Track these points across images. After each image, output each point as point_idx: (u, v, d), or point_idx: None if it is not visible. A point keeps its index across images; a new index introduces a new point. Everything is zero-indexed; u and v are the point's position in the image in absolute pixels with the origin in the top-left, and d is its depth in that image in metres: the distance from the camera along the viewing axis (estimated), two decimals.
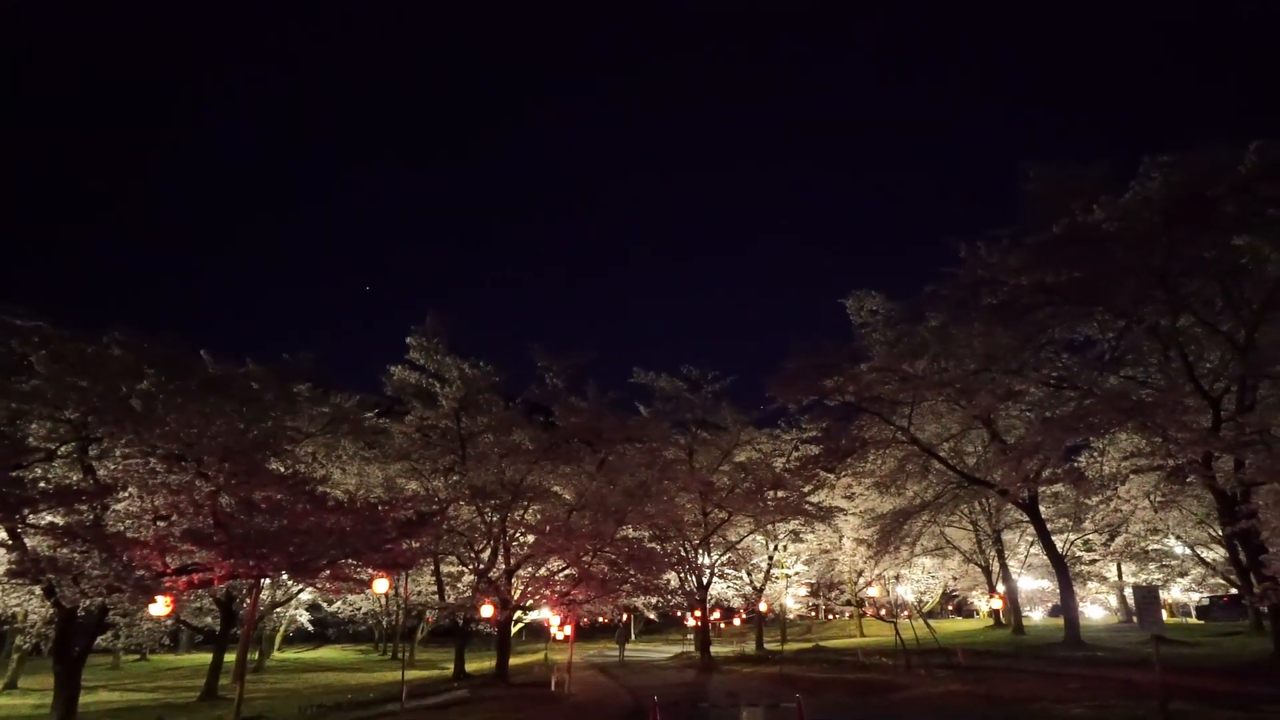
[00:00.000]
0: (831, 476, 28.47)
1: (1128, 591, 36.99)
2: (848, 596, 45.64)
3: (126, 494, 16.12)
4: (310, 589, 26.74)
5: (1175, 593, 41.44)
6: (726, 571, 30.85)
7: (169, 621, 25.81)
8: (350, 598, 37.53)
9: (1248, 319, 17.52)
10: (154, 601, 14.06)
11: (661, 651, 37.38)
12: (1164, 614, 39.60)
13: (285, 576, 18.21)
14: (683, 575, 28.90)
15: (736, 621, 59.02)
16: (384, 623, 43.88)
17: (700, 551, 29.36)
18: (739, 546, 31.04)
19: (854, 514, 31.39)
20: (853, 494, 30.98)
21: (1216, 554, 31.73)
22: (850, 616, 50.30)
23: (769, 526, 30.52)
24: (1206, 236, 16.50)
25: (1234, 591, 31.79)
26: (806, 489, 28.22)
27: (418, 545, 19.03)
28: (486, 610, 20.92)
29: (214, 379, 19.21)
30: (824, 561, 38.50)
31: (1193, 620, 39.12)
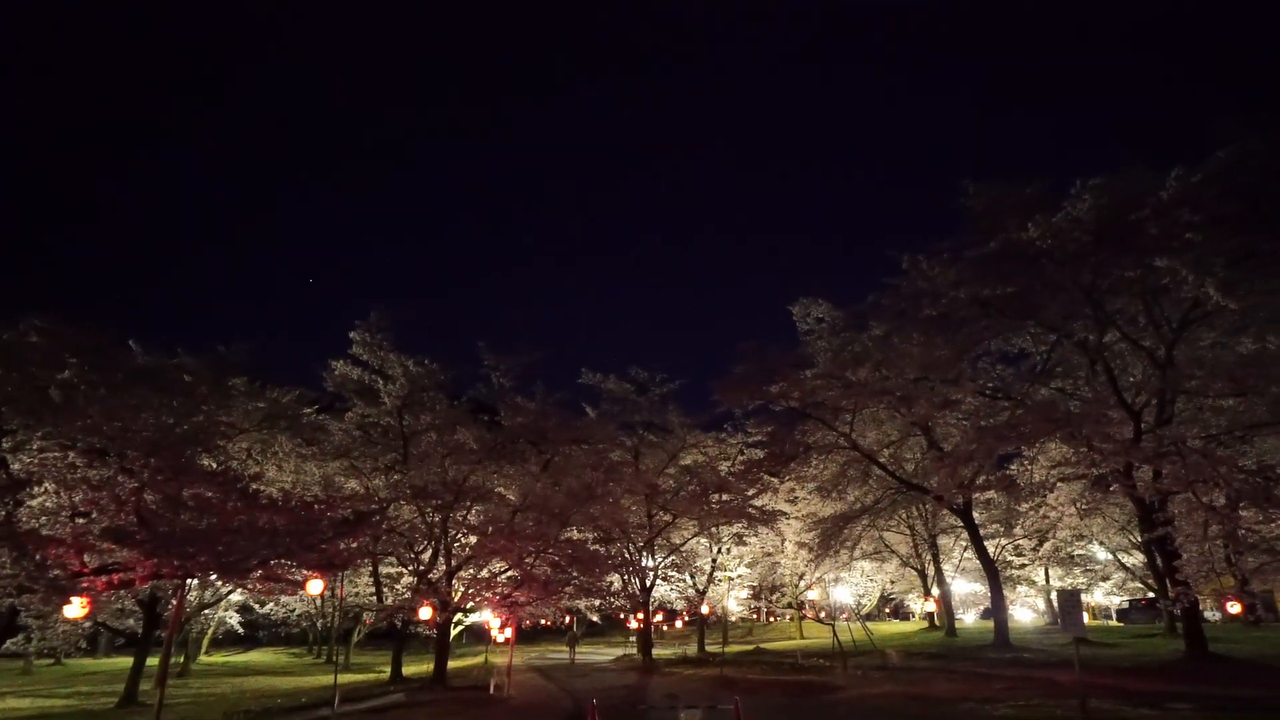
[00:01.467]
0: (775, 480, 28.90)
1: (1054, 595, 38.52)
2: (789, 599, 46.34)
3: (42, 489, 15.30)
4: (241, 590, 25.80)
5: (1097, 596, 43.41)
6: (670, 574, 30.95)
7: (86, 624, 24.54)
8: (283, 599, 36.33)
9: (1167, 336, 18.49)
10: (69, 603, 13.34)
11: (604, 654, 37.28)
12: (1086, 617, 41.44)
13: (214, 577, 17.50)
14: (626, 577, 28.89)
15: (679, 624, 59.25)
16: (319, 625, 42.57)
17: (644, 554, 29.41)
18: (683, 549, 31.21)
19: (796, 518, 31.89)
20: (796, 498, 31.48)
21: (1136, 559, 33.36)
22: (791, 619, 51.08)
23: (713, 529, 30.75)
24: (1130, 257, 17.33)
25: (1151, 595, 33.40)
26: (751, 492, 28.53)
27: (355, 545, 18.55)
28: (425, 612, 20.53)
29: (142, 370, 18.40)
30: (766, 564, 38.97)
31: (1113, 623, 41.00)
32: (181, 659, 31.28)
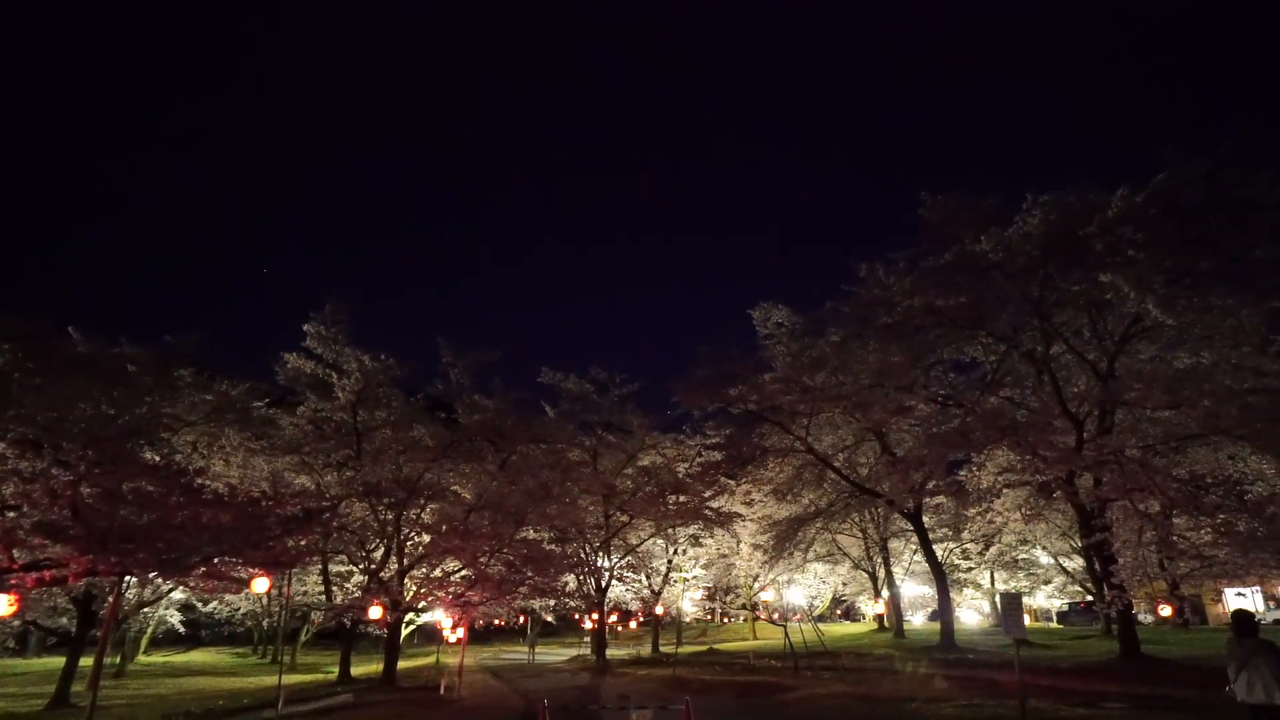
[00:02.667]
0: (732, 483, 29.17)
1: (998, 598, 39.64)
2: (743, 600, 46.75)
3: None
4: (182, 588, 24.99)
5: (1040, 599, 44.80)
6: (625, 574, 30.97)
7: (15, 622, 23.54)
8: (228, 598, 35.29)
9: (1109, 349, 19.16)
10: None
11: (558, 654, 37.08)
12: (1027, 619, 42.73)
13: (153, 575, 16.90)
14: (581, 577, 28.82)
15: (633, 625, 59.34)
16: (264, 624, 41.43)
17: (600, 554, 29.38)
18: (639, 550, 31.26)
19: (752, 520, 32.19)
20: (752, 500, 31.78)
21: (1076, 564, 34.52)
22: (745, 620, 51.53)
23: (669, 530, 30.87)
24: (1077, 272, 17.91)
25: (1089, 598, 34.58)
26: (707, 494, 28.73)
27: (304, 543, 18.09)
28: (375, 612, 20.18)
29: (82, 358, 17.71)
30: (721, 566, 39.26)
31: (1054, 625, 42.34)
32: (118, 659, 30.14)
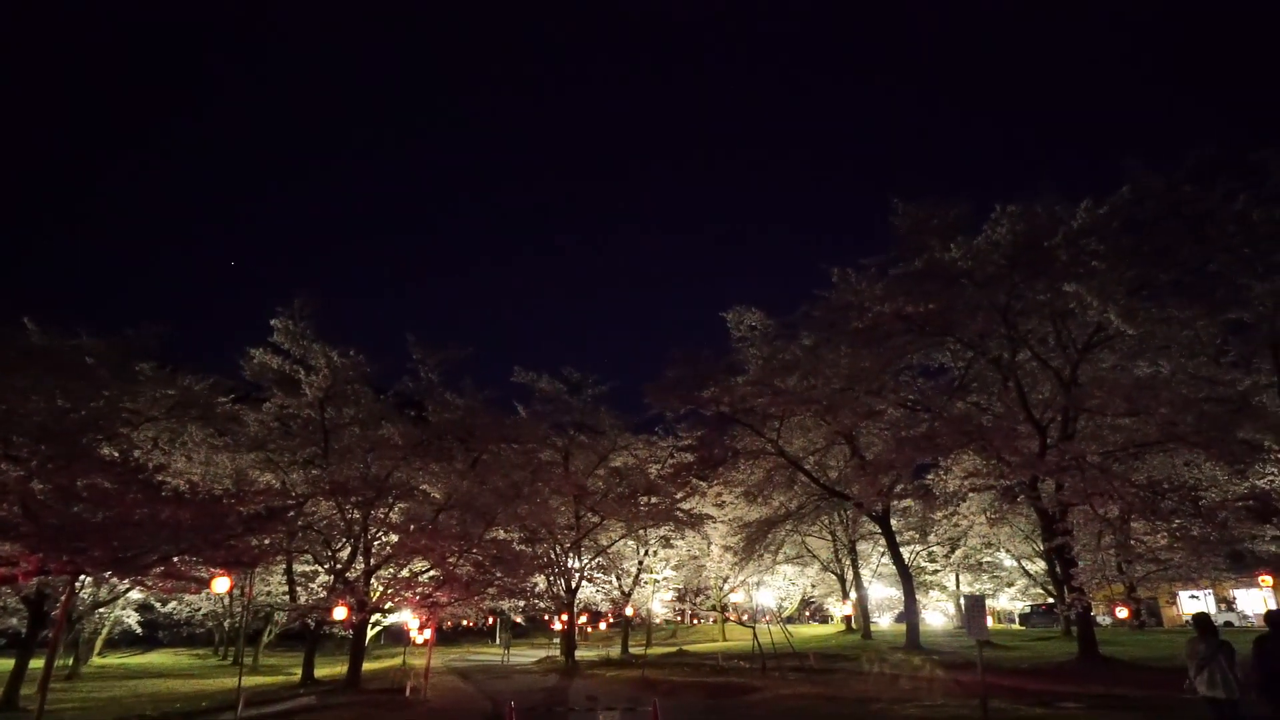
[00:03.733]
0: (703, 484, 29.25)
1: (962, 600, 40.26)
2: (713, 602, 46.92)
3: None
4: (140, 588, 24.38)
5: (1003, 601, 45.63)
6: (596, 575, 30.90)
7: None
8: (187, 598, 34.52)
9: (1073, 357, 19.59)
10: None
11: (527, 655, 36.87)
12: (991, 621, 43.55)
13: (109, 574, 16.44)
14: (551, 578, 28.70)
15: (603, 626, 59.27)
16: (226, 625, 40.58)
17: (570, 555, 29.29)
18: (610, 551, 31.21)
19: (723, 521, 32.33)
20: (723, 502, 31.92)
21: (1038, 567, 35.22)
22: (714, 621, 51.73)
23: (640, 532, 30.89)
24: (1042, 281, 18.29)
25: (1051, 601, 35.31)
26: (679, 496, 28.78)
27: (267, 542, 17.77)
28: (340, 612, 19.87)
29: (36, 350, 17.17)
30: (692, 567, 39.38)
31: (1016, 626, 43.16)
32: (70, 661, 29.32)
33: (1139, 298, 17.60)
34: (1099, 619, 34.98)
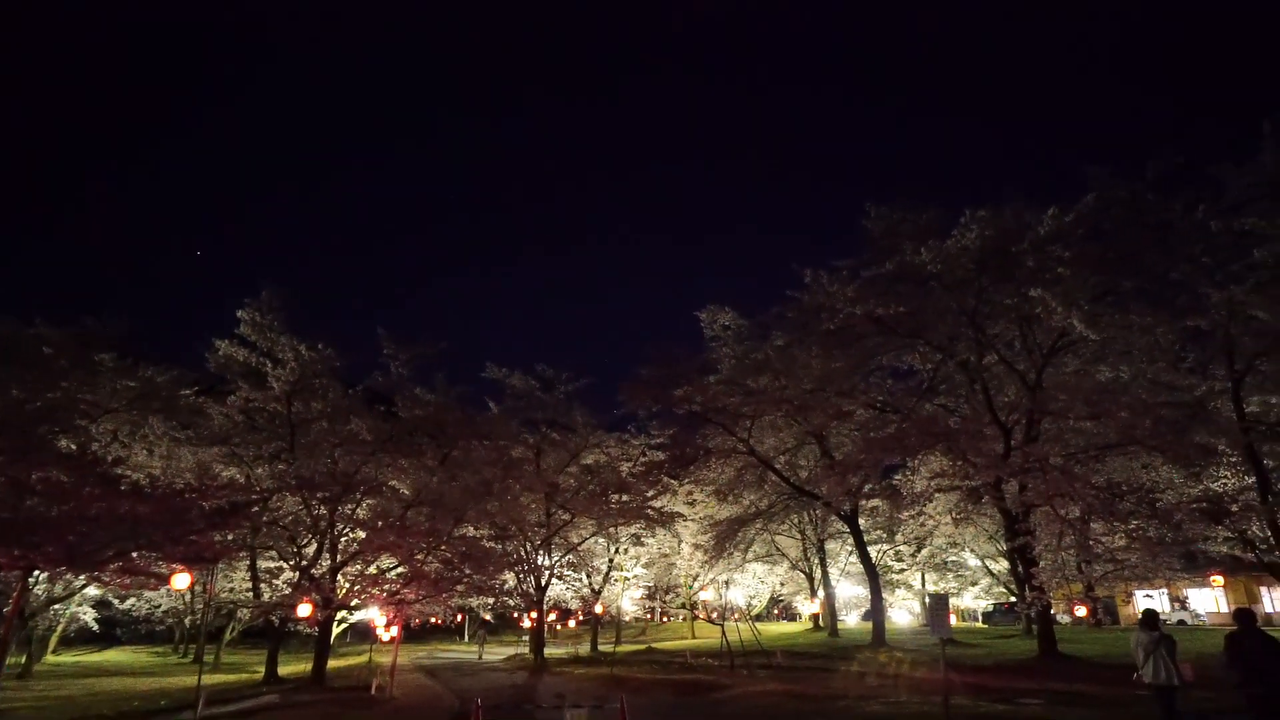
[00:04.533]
0: (675, 483, 29.34)
1: (926, 598, 40.92)
2: (683, 600, 47.09)
3: None
4: (97, 584, 23.77)
5: (967, 600, 46.45)
6: (566, 573, 30.83)
7: None
8: (147, 594, 33.74)
9: (1038, 361, 19.98)
10: None
11: (496, 653, 36.68)
12: (954, 619, 44.38)
13: (63, 569, 15.99)
14: (521, 576, 28.57)
15: (573, 623, 59.17)
16: (187, 622, 39.68)
17: (541, 552, 29.18)
18: (580, 548, 31.15)
19: (693, 520, 32.45)
20: (694, 500, 32.04)
21: (1001, 566, 35.93)
22: (684, 619, 51.92)
23: (611, 529, 30.87)
24: (1009, 286, 18.63)
25: (1013, 599, 36.04)
26: (650, 494, 28.82)
27: (230, 538, 17.44)
28: (305, 609, 19.57)
29: None
30: (662, 565, 39.48)
31: (979, 624, 43.94)
32: (23, 659, 28.46)
33: (1102, 304, 18.00)
34: (1059, 617, 35.76)
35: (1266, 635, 7.86)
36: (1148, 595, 41.06)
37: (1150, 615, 9.03)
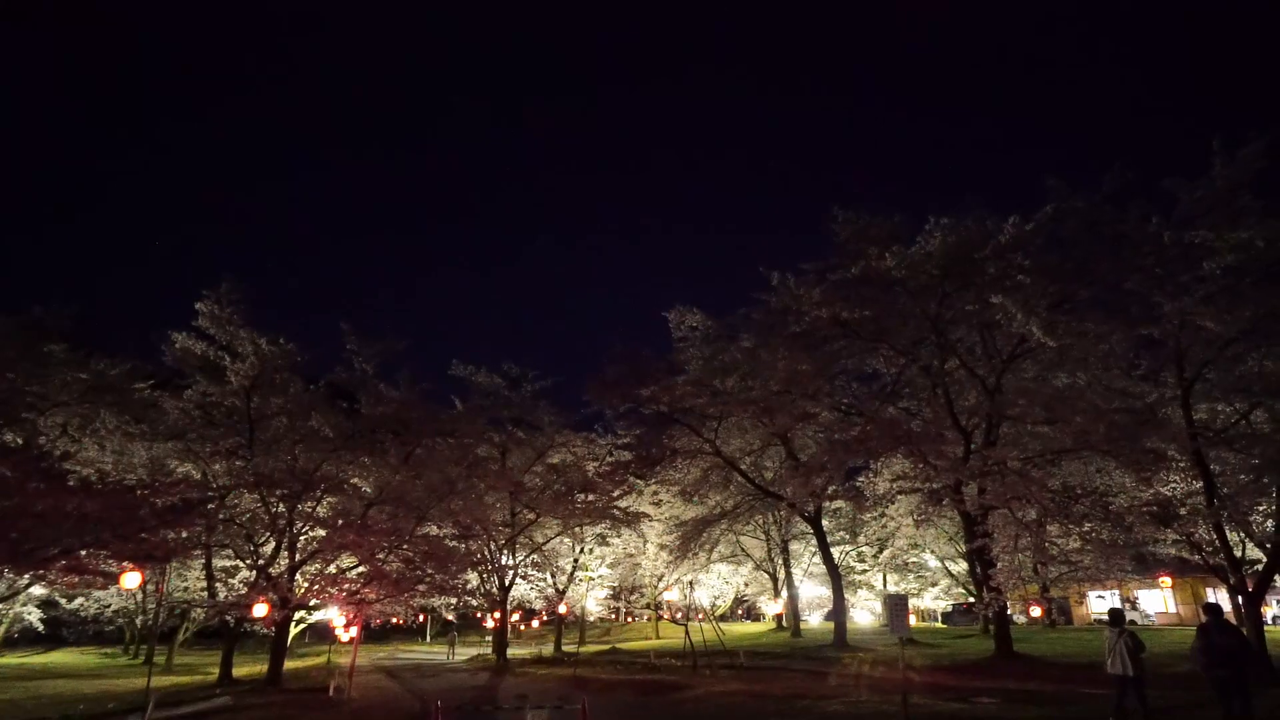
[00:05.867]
0: (641, 483, 29.35)
1: (885, 599, 41.52)
2: (648, 600, 47.14)
3: None
4: (42, 583, 22.97)
5: (927, 600, 47.28)
6: (530, 573, 30.62)
7: None
8: (96, 593, 32.71)
9: (997, 367, 20.38)
10: None
11: (459, 654, 36.33)
12: (914, 619, 45.13)
13: (4, 568, 15.40)
14: (485, 575, 28.31)
15: (536, 624, 58.83)
16: (138, 622, 38.55)
17: (505, 552, 28.96)
18: (545, 548, 30.98)
19: (659, 520, 32.49)
20: (659, 500, 32.08)
21: (960, 567, 36.63)
22: (648, 619, 51.99)
23: (576, 529, 30.75)
24: (971, 292, 18.98)
25: (971, 600, 36.77)
26: (616, 494, 28.77)
27: (184, 535, 16.96)
28: (260, 609, 19.15)
29: None
30: (628, 565, 39.47)
31: (939, 625, 44.76)
32: None
33: (1060, 311, 18.39)
34: (1015, 617, 36.62)
35: (1231, 625, 9.15)
36: (1100, 596, 42.20)
37: (1115, 613, 10.25)
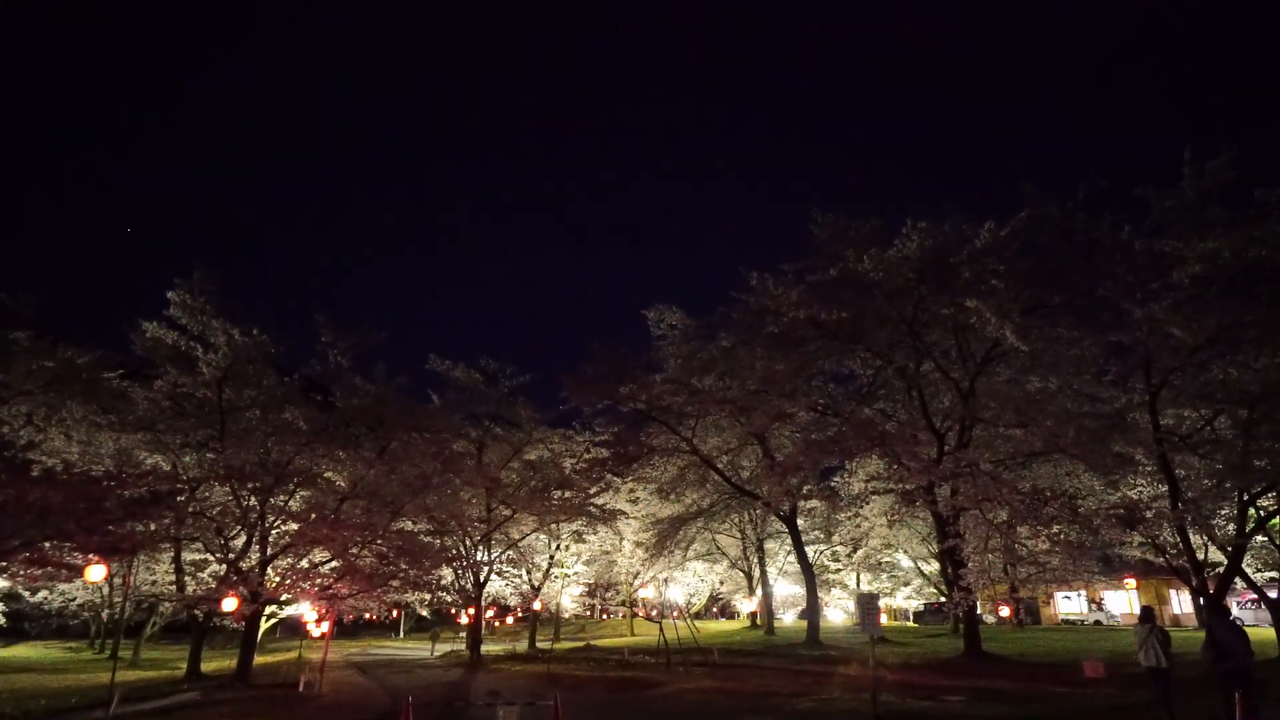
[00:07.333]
0: (618, 480, 29.36)
1: (857, 598, 41.94)
2: (623, 597, 47.16)
3: None
4: (3, 575, 22.44)
5: (899, 599, 47.85)
6: (505, 569, 30.51)
7: None
8: (61, 586, 32.04)
9: (971, 370, 20.67)
10: None
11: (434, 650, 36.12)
12: (886, 618, 45.64)
13: None
14: (459, 571, 28.16)
15: (511, 620, 58.66)
16: (104, 616, 37.79)
17: (480, 548, 28.81)
18: (521, 544, 30.88)
19: (635, 517, 32.52)
20: (636, 498, 32.13)
21: (932, 568, 37.09)
22: (624, 617, 52.03)
23: (553, 526, 30.68)
24: (946, 296, 19.19)
25: (942, 599, 37.28)
26: (593, 491, 28.77)
27: (152, 528, 16.67)
28: (230, 604, 18.86)
29: None
30: (603, 562, 39.48)
31: (910, 624, 45.34)
32: None
33: (1033, 316, 18.69)
34: (984, 617, 37.19)
35: (1237, 625, 9.84)
36: (1067, 597, 42.99)
37: (1146, 610, 11.02)
